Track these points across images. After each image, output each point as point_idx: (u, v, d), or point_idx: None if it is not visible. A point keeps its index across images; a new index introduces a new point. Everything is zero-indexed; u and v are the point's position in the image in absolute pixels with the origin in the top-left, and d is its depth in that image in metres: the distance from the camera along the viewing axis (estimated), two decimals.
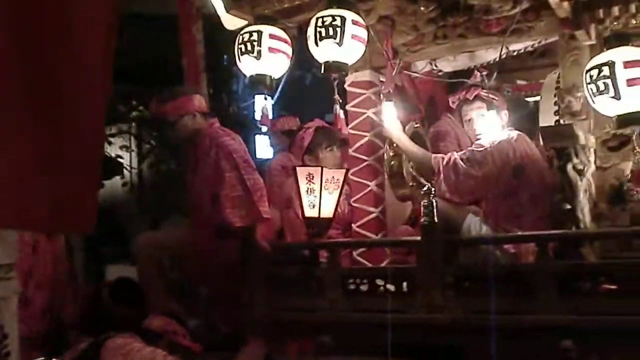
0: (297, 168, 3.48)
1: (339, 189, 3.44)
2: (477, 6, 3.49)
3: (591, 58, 3.03)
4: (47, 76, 2.38)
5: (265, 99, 4.85)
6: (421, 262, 3.06)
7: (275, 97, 6.51)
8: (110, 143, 7.86)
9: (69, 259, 4.02)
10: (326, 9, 3.17)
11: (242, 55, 3.35)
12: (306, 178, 3.39)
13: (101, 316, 3.18)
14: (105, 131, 5.26)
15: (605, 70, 2.83)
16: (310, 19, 3.26)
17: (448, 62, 4.06)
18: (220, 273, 3.68)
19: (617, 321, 2.69)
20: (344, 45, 3.14)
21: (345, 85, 3.94)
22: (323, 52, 3.18)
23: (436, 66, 4.12)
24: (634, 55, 2.84)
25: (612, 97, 2.85)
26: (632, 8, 3.14)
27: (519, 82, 4.53)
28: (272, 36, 3.33)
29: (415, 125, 3.96)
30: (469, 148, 3.49)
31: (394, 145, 3.70)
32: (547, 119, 3.73)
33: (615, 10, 3.12)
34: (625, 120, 2.91)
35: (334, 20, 3.11)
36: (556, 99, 3.58)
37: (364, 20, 3.26)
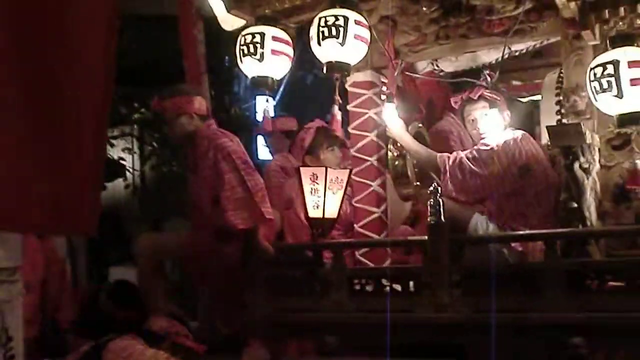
0: (301, 168, 3.43)
1: (343, 189, 3.40)
2: (479, 6, 3.45)
3: (594, 57, 3.00)
4: (48, 77, 2.35)
5: (267, 100, 4.81)
6: (428, 261, 3.03)
7: (277, 98, 6.48)
8: (112, 145, 7.84)
9: (63, 261, 3.98)
10: (329, 8, 3.13)
11: (244, 57, 3.32)
12: (310, 178, 3.34)
13: (99, 319, 3.14)
14: (108, 133, 5.22)
15: (610, 69, 2.82)
16: (312, 18, 3.22)
17: (450, 62, 4.03)
18: (221, 275, 3.63)
19: (625, 318, 2.68)
20: (347, 45, 3.11)
21: (347, 86, 3.89)
22: (325, 51, 3.15)
23: (437, 66, 4.09)
24: (639, 56, 2.83)
25: (615, 96, 2.84)
26: (639, 8, 3.12)
27: (514, 82, 4.49)
28: (275, 38, 3.29)
29: (419, 126, 3.94)
30: (475, 147, 3.48)
31: (398, 145, 3.66)
32: (548, 119, 3.68)
33: (621, 10, 3.10)
34: (627, 119, 2.91)
35: (337, 20, 3.08)
36: (557, 98, 3.56)
37: (366, 20, 3.22)
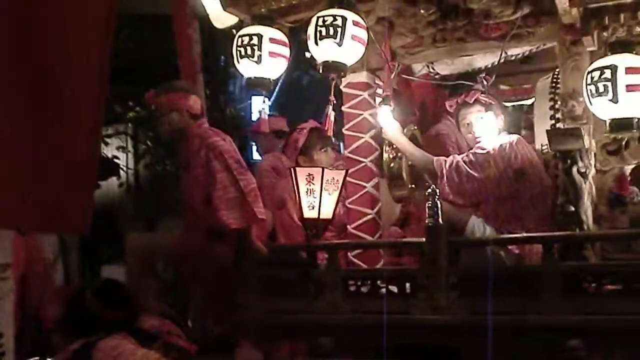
0: (297, 169, 3.37)
1: (338, 190, 3.35)
2: (477, 10, 3.42)
3: (591, 63, 2.98)
4: (43, 77, 2.32)
5: (264, 101, 4.77)
6: (425, 263, 3.01)
7: (272, 98, 6.44)
8: (106, 144, 7.77)
9: (46, 259, 3.89)
10: (327, 8, 3.09)
11: (241, 58, 3.27)
12: (306, 179, 3.29)
13: (86, 318, 3.06)
14: (102, 131, 5.15)
15: (607, 73, 2.80)
16: (308, 18, 3.19)
17: (446, 65, 3.99)
18: (213, 275, 3.56)
19: (621, 320, 2.68)
20: (344, 46, 3.06)
21: (342, 87, 3.85)
22: (323, 51, 3.10)
23: (433, 69, 4.06)
24: (637, 63, 2.82)
25: (610, 100, 2.82)
26: (639, 16, 3.12)
27: (502, 87, 4.49)
28: (272, 40, 3.25)
29: (413, 128, 3.90)
30: (471, 151, 3.47)
31: (394, 146, 3.63)
32: (542, 124, 3.68)
33: (622, 17, 3.09)
34: (619, 124, 2.88)
35: (335, 20, 3.03)
36: (551, 103, 3.55)
37: (364, 21, 3.18)
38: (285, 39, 3.33)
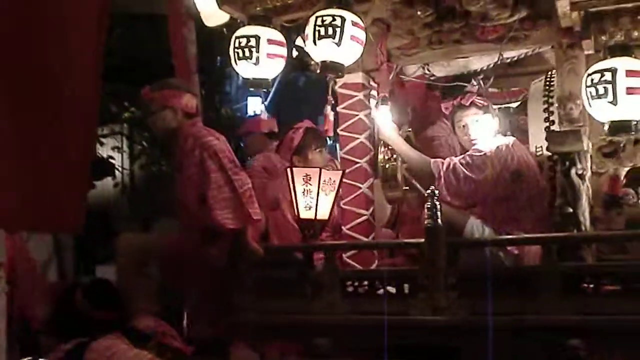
0: (294, 169, 3.32)
1: (335, 190, 3.30)
2: (474, 12, 3.37)
3: (588, 67, 2.95)
4: (36, 77, 2.27)
5: (263, 102, 4.73)
6: (424, 263, 2.98)
7: (268, 98, 6.39)
8: (102, 144, 7.68)
9: (33, 259, 3.79)
10: (324, 8, 3.04)
11: (239, 60, 3.20)
12: (303, 179, 3.23)
13: (75, 319, 2.98)
14: (97, 131, 5.07)
15: (607, 76, 2.76)
16: (304, 17, 3.15)
17: (441, 67, 3.94)
18: (207, 276, 3.49)
19: (621, 320, 2.67)
20: (342, 46, 3.01)
21: (337, 87, 3.79)
22: (321, 51, 3.04)
23: (429, 71, 4.00)
24: (637, 66, 2.78)
25: (610, 102, 2.78)
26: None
27: (491, 89, 4.46)
28: (270, 41, 3.19)
29: (408, 130, 3.86)
30: (468, 153, 3.45)
31: (389, 147, 3.59)
32: (536, 126, 3.64)
33: (622, 21, 3.05)
34: (618, 127, 2.84)
35: (334, 20, 2.98)
36: (546, 106, 3.52)
37: (363, 22, 3.13)
38: (283, 39, 3.28)
